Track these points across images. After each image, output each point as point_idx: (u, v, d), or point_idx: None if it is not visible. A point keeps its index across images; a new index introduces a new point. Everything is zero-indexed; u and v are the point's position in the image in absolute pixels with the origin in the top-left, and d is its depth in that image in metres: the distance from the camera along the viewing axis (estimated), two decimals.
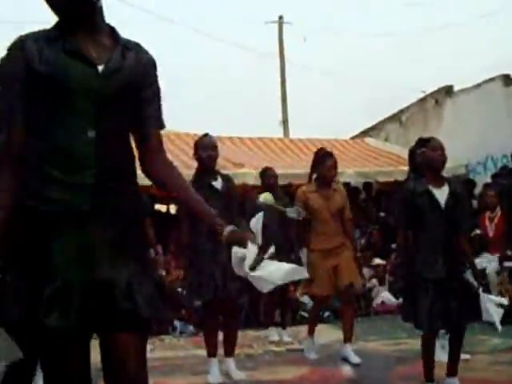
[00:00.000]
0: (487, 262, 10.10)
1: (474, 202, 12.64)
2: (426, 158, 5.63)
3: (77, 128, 2.56)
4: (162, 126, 2.86)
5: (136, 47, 2.75)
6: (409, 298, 5.64)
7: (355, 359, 7.13)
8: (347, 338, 7.40)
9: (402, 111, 18.49)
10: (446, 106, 17.17)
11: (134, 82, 2.68)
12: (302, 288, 7.88)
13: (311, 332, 7.79)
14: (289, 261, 9.11)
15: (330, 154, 7.59)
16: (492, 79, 15.93)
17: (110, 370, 2.63)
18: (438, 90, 17.45)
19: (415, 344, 6.76)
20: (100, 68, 2.59)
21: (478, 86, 16.25)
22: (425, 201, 5.51)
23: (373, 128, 19.26)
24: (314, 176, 7.62)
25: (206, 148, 6.56)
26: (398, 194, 6.19)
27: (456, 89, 17.16)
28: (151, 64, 2.78)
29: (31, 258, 2.54)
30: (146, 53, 2.78)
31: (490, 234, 10.63)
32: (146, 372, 2.66)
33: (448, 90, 17.25)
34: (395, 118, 18.61)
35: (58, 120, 2.56)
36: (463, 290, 5.52)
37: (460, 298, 5.47)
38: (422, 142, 5.88)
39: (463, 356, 6.29)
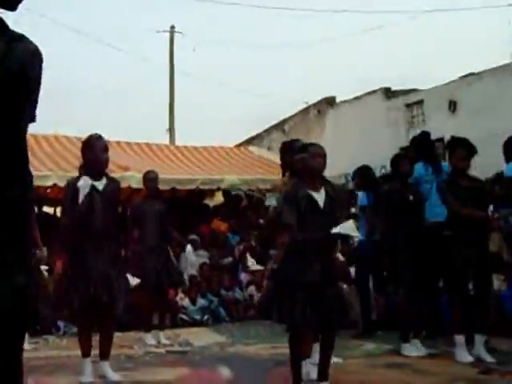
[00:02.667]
0: None
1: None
2: (306, 164, 5.76)
3: None
4: (33, 119, 2.71)
5: (22, 38, 2.62)
6: (286, 300, 5.62)
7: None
8: None
9: (285, 121, 18.87)
10: (328, 116, 17.63)
11: (20, 72, 2.55)
12: None
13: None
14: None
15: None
16: (373, 92, 16.48)
17: None
18: (321, 101, 17.92)
19: None
20: None
21: (359, 98, 16.79)
22: (306, 203, 5.63)
23: (256, 137, 19.56)
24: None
25: (103, 150, 6.56)
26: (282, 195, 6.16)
27: (338, 100, 17.68)
28: (37, 54, 2.66)
29: None
30: (31, 42, 2.65)
31: None
32: None
33: (330, 101, 17.74)
34: (278, 127, 18.95)
35: None
36: (335, 296, 5.65)
37: (332, 303, 5.58)
38: (303, 148, 5.99)
39: (335, 359, 6.50)
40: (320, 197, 5.71)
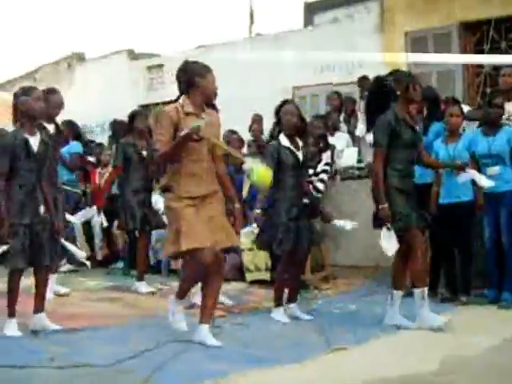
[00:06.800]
0: None
1: None
2: (28, 106, 6.20)
3: None
4: None
5: None
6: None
7: None
8: None
9: (36, 70, 19.62)
10: (77, 70, 18.66)
11: None
12: None
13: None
14: None
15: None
16: (119, 52, 17.77)
17: None
18: (72, 56, 18.94)
19: None
20: None
21: (106, 56, 18.04)
22: (21, 148, 6.10)
23: (8, 83, 20.11)
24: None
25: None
26: None
27: (87, 57, 18.91)
28: None
29: None
30: None
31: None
32: None
33: (80, 57, 18.84)
34: (30, 75, 19.64)
35: None
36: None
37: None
38: (25, 91, 6.30)
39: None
40: (35, 141, 6.29)
